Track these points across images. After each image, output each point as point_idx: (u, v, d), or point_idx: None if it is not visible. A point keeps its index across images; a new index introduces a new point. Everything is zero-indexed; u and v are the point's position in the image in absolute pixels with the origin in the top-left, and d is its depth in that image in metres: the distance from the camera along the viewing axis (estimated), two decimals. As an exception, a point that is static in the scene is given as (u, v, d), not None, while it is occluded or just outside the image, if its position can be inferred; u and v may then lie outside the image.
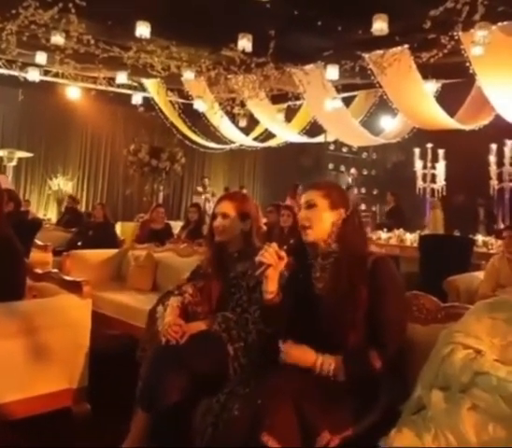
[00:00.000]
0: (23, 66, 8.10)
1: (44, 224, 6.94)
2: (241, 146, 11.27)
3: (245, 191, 11.40)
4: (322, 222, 1.88)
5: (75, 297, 2.72)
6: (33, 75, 8.20)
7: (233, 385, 1.99)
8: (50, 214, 11.32)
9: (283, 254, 1.81)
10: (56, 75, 8.91)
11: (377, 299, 1.79)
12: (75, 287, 2.77)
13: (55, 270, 3.45)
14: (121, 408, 2.18)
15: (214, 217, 2.38)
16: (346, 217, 1.90)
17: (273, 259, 1.79)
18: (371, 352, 1.74)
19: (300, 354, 1.79)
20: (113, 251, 4.92)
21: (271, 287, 1.84)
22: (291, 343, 1.81)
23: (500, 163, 7.10)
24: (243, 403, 1.77)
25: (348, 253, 1.86)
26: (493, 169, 7.15)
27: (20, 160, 10.15)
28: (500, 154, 7.03)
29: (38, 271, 3.18)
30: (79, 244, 6.17)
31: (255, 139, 10.81)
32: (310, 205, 1.90)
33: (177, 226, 7.12)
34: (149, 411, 2.01)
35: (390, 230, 7.67)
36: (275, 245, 1.82)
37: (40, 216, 10.25)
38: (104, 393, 2.78)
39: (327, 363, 1.75)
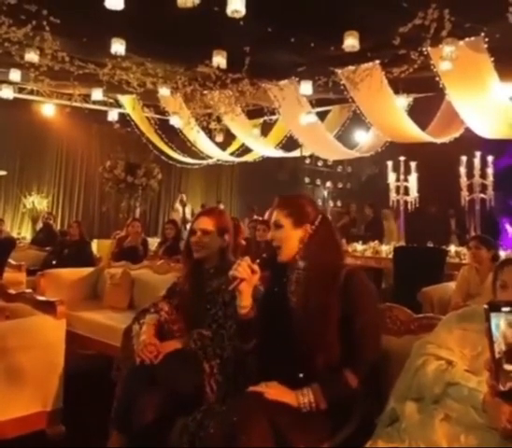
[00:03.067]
0: (-3, 84, 8.07)
1: (18, 243, 6.85)
2: (218, 161, 11.30)
3: (222, 206, 11.41)
4: (290, 241, 1.89)
5: (49, 317, 2.69)
6: (6, 92, 8.17)
7: (209, 403, 1.98)
8: (25, 232, 11.16)
9: (256, 268, 1.80)
10: (30, 92, 8.87)
11: (351, 314, 1.78)
12: (49, 308, 2.74)
13: (29, 290, 3.40)
14: (97, 429, 2.16)
15: (192, 232, 2.36)
16: (312, 232, 1.90)
17: (246, 272, 1.78)
18: (346, 372, 1.72)
19: (278, 395, 1.70)
20: (89, 269, 4.85)
21: (245, 302, 1.83)
22: (269, 385, 1.73)
23: (470, 175, 7.23)
24: (219, 421, 1.76)
25: (316, 269, 1.85)
26: (464, 180, 7.26)
27: (-7, 178, 10.07)
28: (470, 166, 7.15)
29: (11, 291, 3.14)
30: (54, 262, 6.08)
31: (232, 154, 10.85)
32: (276, 226, 1.92)
33: (154, 242, 7.08)
34: (124, 431, 1.98)
35: (365, 242, 7.73)
36: (247, 258, 1.81)
37: (14, 234, 10.09)
38: (79, 414, 2.75)
39: (306, 398, 1.69)
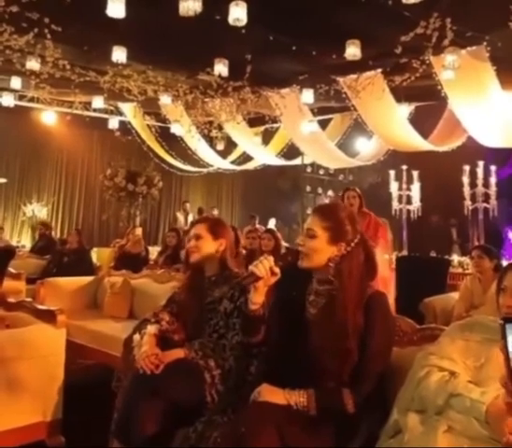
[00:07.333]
0: (-2, 91, 8.08)
1: (18, 251, 6.82)
2: (219, 169, 11.30)
3: (216, 212, 11.43)
4: (319, 254, 1.80)
5: (49, 327, 2.68)
6: (7, 99, 8.17)
7: (210, 414, 1.95)
8: (25, 240, 11.13)
9: (277, 270, 1.73)
10: (31, 99, 8.88)
11: (365, 337, 1.73)
12: (49, 317, 2.73)
13: (29, 299, 3.38)
14: (97, 440, 2.14)
15: (188, 240, 2.41)
16: (345, 252, 1.80)
17: (266, 272, 1.71)
18: (345, 391, 1.69)
19: (269, 395, 1.70)
20: (88, 278, 4.84)
21: (257, 299, 1.76)
22: (260, 389, 1.73)
23: (473, 184, 7.22)
24: (224, 431, 1.73)
25: (344, 291, 1.76)
26: (467, 190, 7.25)
27: (-7, 185, 10.07)
28: (473, 175, 7.15)
29: (11, 300, 3.13)
30: (54, 271, 6.05)
31: (233, 162, 10.84)
32: (310, 235, 1.81)
33: (154, 251, 7.05)
34: (124, 442, 1.97)
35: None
36: (271, 258, 1.75)
37: (14, 243, 10.08)
38: (79, 425, 2.73)
39: (298, 398, 1.68)
